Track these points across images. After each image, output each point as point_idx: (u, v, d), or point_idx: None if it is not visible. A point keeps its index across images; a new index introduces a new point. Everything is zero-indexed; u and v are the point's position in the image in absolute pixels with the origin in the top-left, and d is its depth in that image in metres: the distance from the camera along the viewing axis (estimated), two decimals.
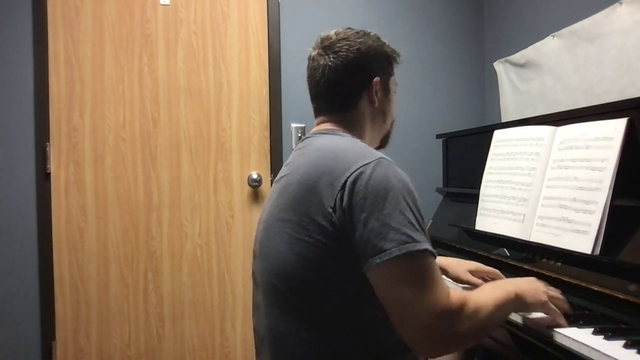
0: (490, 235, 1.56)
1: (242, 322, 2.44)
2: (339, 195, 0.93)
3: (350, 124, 1.12)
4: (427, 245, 0.91)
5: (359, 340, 0.98)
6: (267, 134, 2.47)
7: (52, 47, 2.28)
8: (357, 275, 0.93)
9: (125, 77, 2.35)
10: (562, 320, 1.05)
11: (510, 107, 2.44)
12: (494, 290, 1.00)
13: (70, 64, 2.30)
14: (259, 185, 2.44)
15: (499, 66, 2.52)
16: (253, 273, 1.14)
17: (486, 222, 1.62)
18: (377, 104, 1.13)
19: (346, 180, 0.93)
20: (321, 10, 2.54)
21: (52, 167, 2.29)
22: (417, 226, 0.91)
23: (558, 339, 1.01)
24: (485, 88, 2.75)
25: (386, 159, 0.97)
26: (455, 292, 0.92)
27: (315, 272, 0.95)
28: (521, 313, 1.12)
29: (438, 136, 2.26)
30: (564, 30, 2.04)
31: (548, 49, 2.14)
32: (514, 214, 1.48)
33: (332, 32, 1.13)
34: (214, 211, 2.43)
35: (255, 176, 2.43)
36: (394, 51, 1.19)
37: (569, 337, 0.98)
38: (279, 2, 2.48)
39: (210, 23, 2.42)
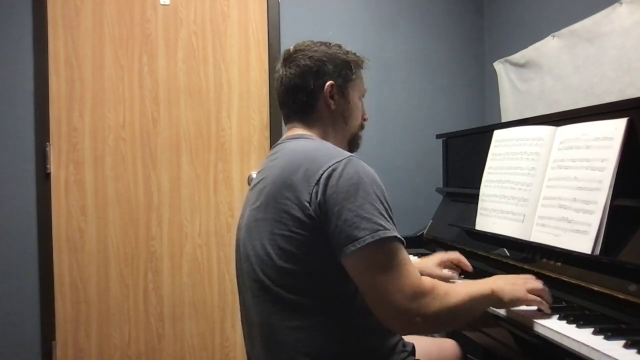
0: (490, 235, 1.56)
1: None
2: (314, 190, 1.00)
3: (315, 126, 1.21)
4: (397, 233, 0.99)
5: (345, 325, 1.05)
6: (267, 134, 2.47)
7: (52, 47, 2.28)
8: (335, 264, 1.00)
9: (125, 77, 2.35)
10: (544, 307, 1.11)
11: (510, 107, 2.44)
12: (469, 284, 1.10)
13: (70, 64, 2.30)
14: None
15: (499, 66, 2.52)
16: (238, 276, 1.20)
17: (486, 222, 1.62)
18: (333, 107, 1.20)
19: (320, 176, 1.01)
20: (321, 10, 2.54)
21: (52, 167, 2.29)
22: (387, 216, 1.00)
23: (558, 338, 1.01)
24: (485, 88, 2.75)
25: (356, 157, 1.06)
26: (427, 278, 1.01)
27: (297, 263, 1.02)
28: (511, 309, 1.16)
29: (438, 136, 2.26)
30: (564, 30, 2.04)
31: (548, 49, 2.14)
32: (514, 213, 1.48)
33: (292, 46, 1.23)
34: (214, 211, 2.43)
35: (255, 176, 2.43)
36: (356, 58, 1.25)
37: (569, 337, 0.98)
38: (279, 2, 2.48)
39: (210, 23, 2.42)
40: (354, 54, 1.25)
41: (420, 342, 1.25)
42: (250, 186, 1.21)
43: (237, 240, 1.20)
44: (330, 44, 1.23)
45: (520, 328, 1.14)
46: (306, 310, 1.03)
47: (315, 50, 1.20)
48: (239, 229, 1.20)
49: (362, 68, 1.26)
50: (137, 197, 2.36)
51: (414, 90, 2.65)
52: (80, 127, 2.32)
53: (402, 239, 1.00)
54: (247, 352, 1.19)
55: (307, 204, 1.00)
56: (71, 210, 2.30)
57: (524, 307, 1.18)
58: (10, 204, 2.23)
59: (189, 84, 2.41)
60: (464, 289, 1.05)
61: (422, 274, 1.40)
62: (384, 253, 0.97)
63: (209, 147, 2.43)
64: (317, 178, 1.00)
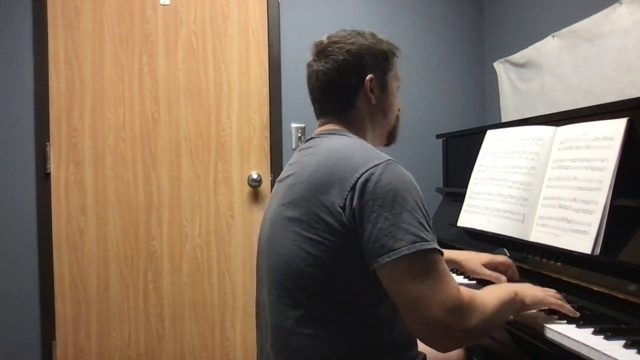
0: (490, 235, 1.56)
1: (242, 322, 2.44)
2: (349, 196, 0.95)
3: (352, 124, 1.14)
4: (435, 245, 0.93)
5: (362, 337, 1.00)
6: (267, 134, 2.47)
7: (52, 47, 2.28)
8: (362, 274, 0.96)
9: (125, 77, 2.35)
10: (567, 307, 1.09)
11: (510, 107, 2.44)
12: (497, 290, 1.05)
13: (70, 64, 2.30)
14: (259, 185, 2.44)
15: (499, 66, 2.52)
16: (258, 269, 1.16)
17: (477, 219, 1.61)
18: (374, 101, 1.14)
19: (356, 181, 0.95)
20: (321, 10, 2.54)
21: (52, 167, 2.28)
22: (426, 226, 0.94)
23: (558, 338, 1.01)
24: (485, 88, 2.75)
25: (393, 160, 1.00)
26: (464, 288, 0.95)
27: (322, 269, 0.97)
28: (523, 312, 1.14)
29: (438, 136, 2.26)
30: (564, 30, 2.04)
31: (548, 49, 2.14)
32: (512, 212, 1.48)
33: (324, 37, 1.16)
34: (214, 211, 2.43)
35: (255, 176, 2.43)
36: (391, 46, 1.19)
37: (569, 337, 0.98)
38: (279, 2, 2.48)
39: (210, 23, 2.42)
40: (388, 41, 1.18)
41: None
42: (280, 178, 1.15)
43: (261, 233, 1.15)
44: (364, 32, 1.16)
45: (520, 328, 1.13)
46: (324, 319, 0.99)
47: (352, 43, 1.12)
48: (264, 220, 1.15)
49: (397, 56, 1.20)
50: (137, 197, 2.36)
51: (414, 90, 2.65)
52: (80, 127, 2.31)
53: (441, 250, 0.95)
54: (257, 342, 1.15)
55: (340, 210, 0.95)
56: (71, 210, 2.30)
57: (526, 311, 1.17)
58: (10, 204, 2.22)
59: (189, 84, 2.41)
60: (494, 296, 1.00)
61: (462, 269, 1.40)
62: (421, 265, 0.91)
63: (209, 147, 2.43)
64: (353, 182, 0.95)
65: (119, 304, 2.34)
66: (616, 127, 1.21)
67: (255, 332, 1.19)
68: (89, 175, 2.32)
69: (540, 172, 1.42)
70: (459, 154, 2.13)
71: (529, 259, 1.39)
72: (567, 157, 1.33)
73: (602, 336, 0.97)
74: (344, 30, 1.16)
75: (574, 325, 1.04)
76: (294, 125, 2.49)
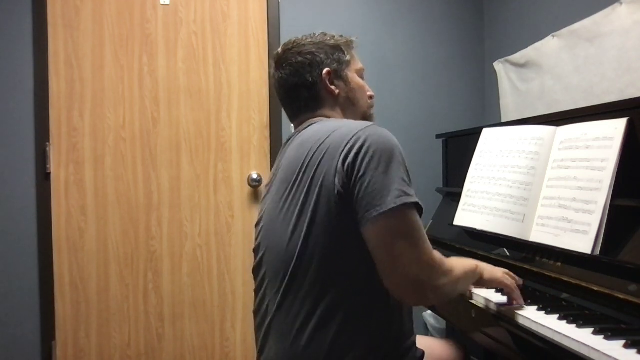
0: (490, 235, 1.56)
1: (242, 322, 2.44)
2: (339, 163, 1.00)
3: (325, 116, 1.20)
4: (417, 200, 1.00)
5: (363, 324, 1.03)
6: (267, 134, 2.47)
7: (52, 47, 2.28)
8: (361, 249, 0.99)
9: (125, 77, 2.35)
10: (517, 292, 1.18)
11: (510, 107, 2.44)
12: (461, 260, 1.15)
13: (70, 64, 2.30)
14: (259, 185, 2.44)
15: (499, 66, 2.52)
16: (255, 269, 1.18)
17: (474, 218, 1.61)
18: (337, 92, 1.20)
19: (344, 148, 1.01)
20: (321, 10, 2.54)
21: (52, 167, 2.29)
22: (408, 182, 1.00)
23: (558, 338, 1.01)
24: (485, 88, 2.75)
25: (377, 125, 1.06)
26: (435, 251, 1.01)
27: (322, 249, 1.01)
28: (510, 308, 1.18)
29: (438, 136, 2.26)
30: (564, 30, 2.04)
31: (548, 49, 2.14)
32: (512, 212, 1.48)
33: (280, 48, 1.25)
34: (214, 211, 2.43)
35: (255, 176, 2.43)
36: (342, 39, 1.25)
37: (569, 337, 0.98)
38: (279, 2, 2.48)
39: (210, 23, 2.42)
40: (341, 36, 1.25)
41: (424, 344, 1.25)
42: (267, 183, 1.21)
43: (257, 234, 1.19)
44: (314, 34, 1.24)
45: (520, 328, 1.14)
46: (325, 300, 1.01)
47: (304, 45, 1.20)
48: (257, 225, 1.20)
49: (352, 48, 1.26)
50: (137, 197, 2.36)
51: (414, 90, 2.65)
52: (80, 127, 2.32)
53: (422, 206, 1.00)
54: (257, 341, 1.17)
55: (333, 179, 1.00)
56: (71, 210, 2.30)
57: (527, 311, 1.18)
58: (10, 204, 2.23)
59: (189, 84, 2.41)
60: (459, 264, 1.08)
61: None
62: (405, 221, 0.97)
63: (209, 147, 2.43)
64: (342, 150, 1.00)
65: (119, 304, 2.34)
66: (616, 127, 1.21)
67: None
68: (89, 175, 2.32)
69: (540, 172, 1.42)
70: (459, 154, 2.13)
71: (529, 259, 1.39)
72: (567, 157, 1.33)
73: (602, 336, 0.97)
74: (296, 37, 1.24)
75: (574, 325, 1.04)
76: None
